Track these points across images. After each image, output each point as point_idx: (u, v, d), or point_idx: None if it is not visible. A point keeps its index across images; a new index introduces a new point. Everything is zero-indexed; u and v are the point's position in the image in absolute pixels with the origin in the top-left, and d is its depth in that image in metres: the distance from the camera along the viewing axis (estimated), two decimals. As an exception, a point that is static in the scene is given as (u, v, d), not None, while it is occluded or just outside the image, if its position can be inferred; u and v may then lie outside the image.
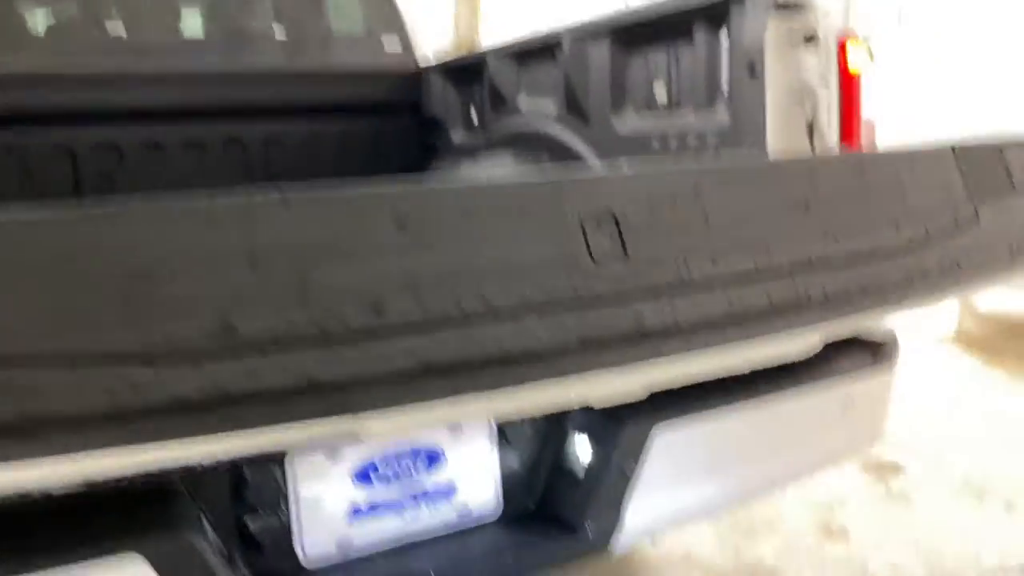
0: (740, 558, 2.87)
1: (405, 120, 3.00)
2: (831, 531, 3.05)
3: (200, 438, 0.82)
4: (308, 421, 0.85)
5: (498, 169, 2.39)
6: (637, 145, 2.08)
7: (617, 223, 1.05)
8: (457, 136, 2.75)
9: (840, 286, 1.17)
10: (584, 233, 1.03)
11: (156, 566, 1.33)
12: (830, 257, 1.18)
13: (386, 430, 0.95)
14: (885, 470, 3.46)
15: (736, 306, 1.08)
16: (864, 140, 1.86)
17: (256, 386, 0.82)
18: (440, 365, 0.90)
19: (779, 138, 1.83)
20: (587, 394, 1.02)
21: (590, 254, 1.03)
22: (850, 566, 2.84)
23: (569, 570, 2.74)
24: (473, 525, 1.75)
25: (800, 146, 1.83)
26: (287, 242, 0.87)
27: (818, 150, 1.80)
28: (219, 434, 0.82)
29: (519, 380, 0.95)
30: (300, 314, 0.86)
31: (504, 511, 1.78)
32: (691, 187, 1.12)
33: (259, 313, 0.84)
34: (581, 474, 1.81)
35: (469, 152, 2.62)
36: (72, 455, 0.76)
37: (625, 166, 1.14)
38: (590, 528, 1.77)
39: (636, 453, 1.75)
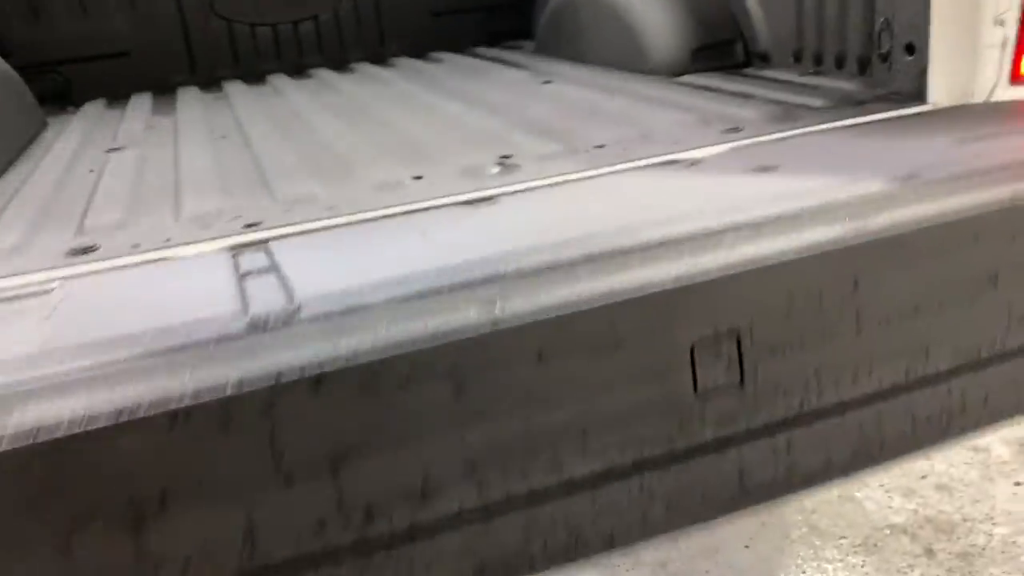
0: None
1: None
2: None
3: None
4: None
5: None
6: None
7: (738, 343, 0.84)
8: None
9: (1011, 387, 0.94)
10: (693, 361, 0.83)
11: None
12: (1007, 347, 0.94)
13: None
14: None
15: (869, 433, 0.89)
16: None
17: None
18: (500, 564, 0.79)
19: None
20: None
21: (695, 386, 0.84)
22: None
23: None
24: None
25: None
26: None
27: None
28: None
29: (593, 553, 0.84)
30: (335, 520, 0.75)
31: None
32: (848, 275, 0.86)
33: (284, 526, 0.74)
34: None
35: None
36: None
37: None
38: None
39: None
